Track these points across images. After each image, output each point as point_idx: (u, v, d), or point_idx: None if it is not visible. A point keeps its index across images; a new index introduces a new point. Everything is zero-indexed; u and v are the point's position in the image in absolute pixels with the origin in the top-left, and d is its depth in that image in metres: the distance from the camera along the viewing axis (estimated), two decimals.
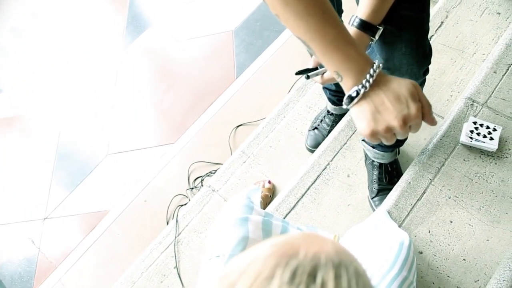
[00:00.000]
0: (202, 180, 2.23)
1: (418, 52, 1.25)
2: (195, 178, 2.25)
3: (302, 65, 1.15)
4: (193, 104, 2.56)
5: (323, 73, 1.17)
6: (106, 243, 2.24)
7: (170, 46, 2.87)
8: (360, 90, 0.75)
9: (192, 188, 2.22)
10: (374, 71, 0.76)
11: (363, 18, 1.04)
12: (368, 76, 0.75)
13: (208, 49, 2.78)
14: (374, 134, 0.77)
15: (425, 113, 0.77)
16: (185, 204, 2.14)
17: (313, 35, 0.76)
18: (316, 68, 1.18)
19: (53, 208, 2.44)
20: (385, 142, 0.79)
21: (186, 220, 1.96)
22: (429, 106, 0.78)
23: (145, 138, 2.52)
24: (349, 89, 0.77)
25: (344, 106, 0.79)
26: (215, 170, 2.19)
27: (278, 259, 0.41)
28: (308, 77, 1.16)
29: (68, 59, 3.07)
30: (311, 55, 1.21)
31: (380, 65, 0.77)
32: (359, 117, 0.78)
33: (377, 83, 0.76)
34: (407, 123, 0.76)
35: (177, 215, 1.98)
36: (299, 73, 1.18)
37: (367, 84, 0.75)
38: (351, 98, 0.77)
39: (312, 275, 0.39)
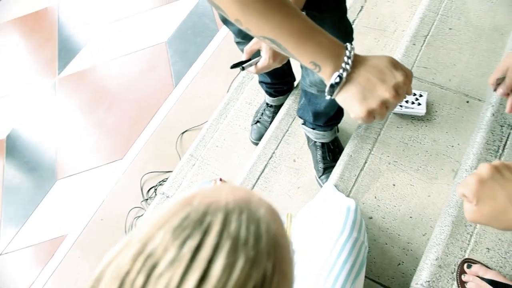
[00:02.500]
0: (155, 189, 2.25)
1: (341, 31, 1.33)
2: (148, 189, 2.27)
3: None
4: (137, 118, 2.57)
5: (256, 63, 1.23)
6: (68, 268, 2.20)
7: (105, 65, 2.87)
8: (342, 74, 0.73)
9: (147, 199, 2.23)
10: (350, 52, 0.74)
11: None
12: (346, 58, 0.74)
13: (144, 63, 2.80)
14: (370, 113, 0.75)
15: (410, 79, 0.76)
16: (142, 215, 2.15)
17: (280, 31, 0.74)
18: (249, 60, 1.24)
19: (6, 243, 2.38)
20: (379, 119, 0.78)
21: None
22: (411, 72, 0.77)
23: (93, 158, 2.50)
24: (329, 77, 0.75)
25: (328, 97, 0.77)
26: (167, 178, 2.21)
27: (177, 207, 0.43)
28: (243, 69, 1.22)
29: (1, 96, 3.00)
30: (243, 51, 1.27)
31: (353, 45, 0.76)
32: (349, 102, 0.76)
33: (355, 64, 0.75)
34: (399, 92, 0.75)
35: (136, 227, 1.99)
36: (234, 66, 1.24)
37: (348, 67, 0.73)
38: (333, 87, 0.75)
39: (200, 220, 0.40)
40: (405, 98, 1.57)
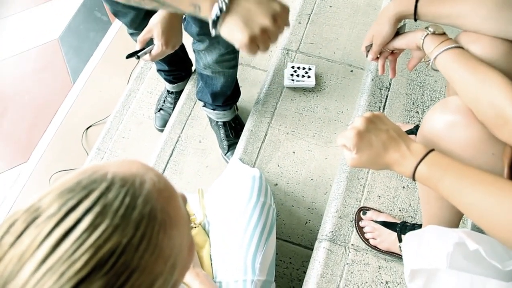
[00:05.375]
0: None
1: None
2: None
3: None
4: (36, 119, 2.50)
5: (150, 51, 1.29)
6: None
7: None
8: (221, 5, 0.74)
9: None
10: None
11: None
12: None
13: (37, 62, 2.72)
14: (253, 39, 0.77)
15: (287, 11, 0.80)
16: None
17: None
18: (143, 49, 1.29)
19: None
20: (263, 50, 0.81)
21: None
22: (288, 6, 0.81)
23: None
24: (209, 12, 0.76)
25: (213, 33, 0.79)
26: None
27: (76, 174, 0.48)
28: (138, 58, 1.28)
29: None
30: (136, 41, 1.31)
31: None
32: (232, 31, 0.78)
33: None
34: (277, 20, 0.78)
35: None
36: (129, 56, 1.29)
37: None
38: (215, 21, 0.77)
39: (86, 186, 0.46)
40: (296, 73, 1.70)
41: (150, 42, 1.30)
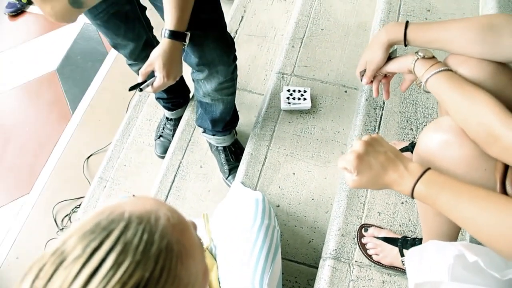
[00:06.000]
0: (70, 217, 2.25)
1: (223, 44, 1.48)
2: (62, 218, 2.26)
3: (131, 83, 1.31)
4: (37, 150, 2.53)
5: (152, 83, 1.34)
6: None
7: None
8: None
9: (62, 229, 2.22)
10: None
11: (172, 28, 1.23)
12: None
13: (36, 93, 2.77)
14: None
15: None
16: None
17: None
18: (145, 81, 1.34)
19: None
20: None
21: None
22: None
23: None
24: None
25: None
26: (79, 204, 2.23)
27: (93, 216, 0.53)
28: (141, 90, 1.32)
29: None
30: (138, 73, 1.37)
31: None
32: None
33: None
34: None
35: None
36: (132, 88, 1.34)
37: None
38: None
39: (106, 227, 0.50)
40: (292, 96, 1.76)
41: (151, 74, 1.35)
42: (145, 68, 1.33)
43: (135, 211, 0.53)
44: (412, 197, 0.81)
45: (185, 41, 1.27)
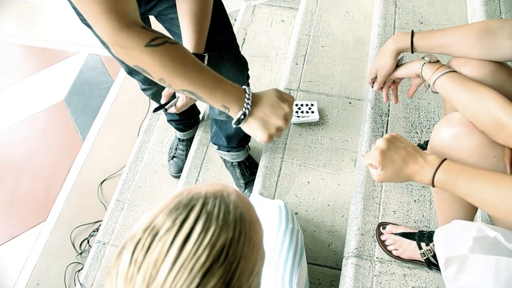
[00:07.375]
0: (88, 241, 2.31)
1: (237, 64, 1.59)
2: (80, 242, 2.32)
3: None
4: (51, 178, 2.61)
5: (175, 103, 1.43)
6: None
7: (6, 132, 2.87)
8: (245, 112, 1.02)
9: (81, 253, 2.28)
10: (249, 95, 1.03)
11: (191, 51, 1.33)
12: (246, 100, 1.03)
13: (45, 124, 2.85)
14: (270, 137, 1.05)
15: (292, 104, 1.08)
16: (81, 269, 2.20)
17: (197, 85, 1.00)
18: (169, 102, 1.43)
19: None
20: (277, 138, 1.09)
21: (89, 280, 2.04)
22: (292, 97, 1.10)
23: (13, 228, 2.49)
24: (235, 115, 1.03)
25: (234, 126, 1.06)
26: (97, 228, 2.30)
27: (172, 199, 0.62)
28: (166, 110, 1.42)
29: None
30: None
31: (250, 88, 1.05)
32: (253, 130, 1.06)
33: (253, 103, 1.04)
34: (288, 119, 1.06)
35: (79, 280, 2.05)
36: (156, 109, 1.43)
37: (248, 106, 1.03)
38: (239, 120, 1.04)
39: (187, 204, 0.59)
40: (300, 110, 1.86)
41: (173, 95, 1.45)
42: (168, 90, 1.42)
43: (210, 190, 0.63)
44: (433, 185, 0.91)
45: (203, 62, 1.38)
